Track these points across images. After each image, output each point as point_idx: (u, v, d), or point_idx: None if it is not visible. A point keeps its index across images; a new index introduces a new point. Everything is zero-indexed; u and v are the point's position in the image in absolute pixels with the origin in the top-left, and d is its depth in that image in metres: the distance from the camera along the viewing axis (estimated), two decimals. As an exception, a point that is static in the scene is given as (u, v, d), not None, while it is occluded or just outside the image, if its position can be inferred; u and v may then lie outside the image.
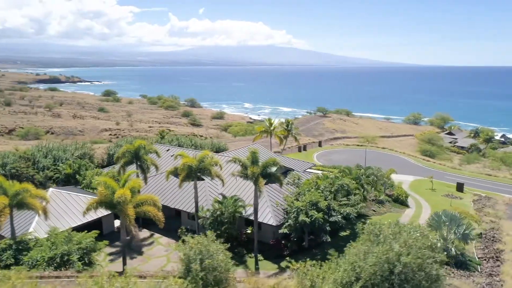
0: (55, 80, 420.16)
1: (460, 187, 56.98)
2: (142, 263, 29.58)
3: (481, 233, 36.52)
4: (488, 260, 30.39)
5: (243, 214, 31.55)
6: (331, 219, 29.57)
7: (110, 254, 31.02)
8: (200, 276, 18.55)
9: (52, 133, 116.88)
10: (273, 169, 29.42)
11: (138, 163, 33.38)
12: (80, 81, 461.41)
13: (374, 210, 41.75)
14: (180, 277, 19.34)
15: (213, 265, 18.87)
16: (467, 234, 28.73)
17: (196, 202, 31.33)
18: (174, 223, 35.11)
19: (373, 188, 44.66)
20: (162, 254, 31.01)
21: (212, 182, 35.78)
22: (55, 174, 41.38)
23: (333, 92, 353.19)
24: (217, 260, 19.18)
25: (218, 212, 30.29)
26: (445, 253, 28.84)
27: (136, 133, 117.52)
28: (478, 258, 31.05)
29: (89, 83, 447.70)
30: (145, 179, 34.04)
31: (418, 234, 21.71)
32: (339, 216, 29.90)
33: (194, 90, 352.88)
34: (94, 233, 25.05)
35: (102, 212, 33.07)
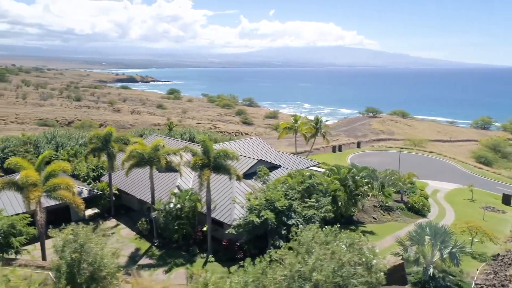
0: (131, 79, 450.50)
1: (507, 200, 48.48)
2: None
3: (498, 254, 29.69)
4: (489, 288, 24.18)
5: (199, 209, 28.85)
6: (290, 221, 25.59)
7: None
8: (66, 270, 16.43)
9: (106, 126, 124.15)
10: (229, 161, 26.35)
11: (106, 150, 32.35)
12: (153, 81, 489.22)
13: (374, 218, 36.35)
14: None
15: (84, 259, 16.62)
16: (454, 253, 22.96)
17: (152, 194, 29.36)
18: (146, 215, 33.55)
19: (380, 193, 39.19)
20: (110, 246, 29.39)
21: (189, 175, 33.60)
22: (50, 158, 42.24)
23: (398, 93, 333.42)
24: (92, 255, 16.90)
25: (172, 205, 27.97)
26: (412, 275, 23.56)
27: (181, 129, 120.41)
28: (476, 284, 24.86)
29: (160, 82, 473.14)
30: (112, 166, 33.00)
31: (344, 248, 17.50)
32: (299, 219, 25.79)
33: (258, 90, 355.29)
34: (24, 217, 24.16)
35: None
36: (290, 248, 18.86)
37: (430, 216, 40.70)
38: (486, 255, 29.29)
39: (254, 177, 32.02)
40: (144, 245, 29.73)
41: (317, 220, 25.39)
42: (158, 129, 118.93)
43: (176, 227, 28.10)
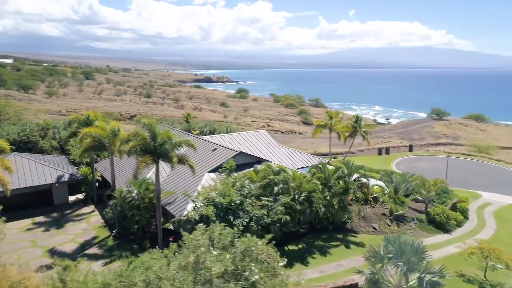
0: (207, 79, 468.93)
1: None
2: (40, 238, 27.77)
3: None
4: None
5: (154, 201, 26.58)
6: (236, 221, 22.05)
7: (38, 224, 30.15)
8: None
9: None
10: (182, 149, 23.74)
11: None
12: (228, 81, 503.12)
13: (374, 228, 30.79)
14: None
15: None
16: (423, 279, 17.58)
17: (113, 181, 27.86)
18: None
19: (391, 200, 33.48)
20: (71, 232, 28.62)
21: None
22: (58, 142, 43.49)
23: (483, 97, 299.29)
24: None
25: (125, 194, 26.16)
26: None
27: (233, 125, 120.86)
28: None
29: (235, 83, 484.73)
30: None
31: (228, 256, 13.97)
32: (246, 219, 22.12)
33: (330, 91, 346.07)
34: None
35: (50, 179, 32.77)
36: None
37: (458, 232, 33.67)
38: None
39: (219, 170, 28.85)
40: (104, 234, 28.42)
41: (265, 223, 21.59)
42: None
43: (129, 218, 26.28)
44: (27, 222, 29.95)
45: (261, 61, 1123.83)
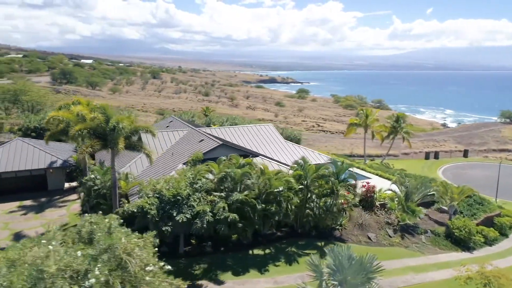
0: (272, 80, 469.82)
1: None
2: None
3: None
4: None
5: (126, 190, 25.16)
6: (178, 217, 19.61)
7: (23, 207, 30.45)
8: None
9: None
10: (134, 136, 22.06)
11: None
12: (293, 82, 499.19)
13: (369, 238, 26.36)
14: None
15: None
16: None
17: (84, 167, 26.95)
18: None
19: (400, 207, 28.82)
20: (47, 217, 28.28)
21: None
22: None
23: None
24: None
25: (87, 181, 25.11)
26: None
27: (282, 124, 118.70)
28: None
29: (299, 83, 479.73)
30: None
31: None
32: (187, 215, 19.55)
33: (398, 93, 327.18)
34: None
35: (43, 164, 33.13)
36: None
37: (483, 251, 27.90)
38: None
39: (184, 163, 26.54)
40: (76, 221, 27.68)
41: (206, 221, 18.86)
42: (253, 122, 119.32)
43: (96, 207, 25.17)
44: (13, 205, 30.42)
45: (329, 62, 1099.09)
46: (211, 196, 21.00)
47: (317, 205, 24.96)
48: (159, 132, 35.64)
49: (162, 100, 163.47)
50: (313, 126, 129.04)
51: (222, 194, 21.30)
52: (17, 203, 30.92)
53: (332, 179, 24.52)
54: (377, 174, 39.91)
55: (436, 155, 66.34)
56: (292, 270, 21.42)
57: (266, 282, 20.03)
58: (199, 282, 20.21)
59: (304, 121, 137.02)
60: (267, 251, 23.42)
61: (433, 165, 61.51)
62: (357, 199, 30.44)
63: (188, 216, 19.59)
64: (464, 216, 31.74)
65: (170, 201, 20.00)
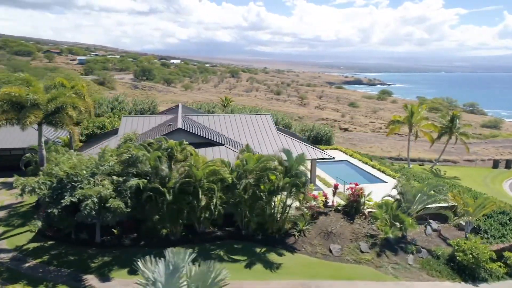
0: (357, 81, 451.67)
1: None
2: None
3: None
4: None
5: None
6: (63, 200, 17.22)
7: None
8: None
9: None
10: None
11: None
12: (380, 84, 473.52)
13: (330, 251, 21.09)
14: None
15: None
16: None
17: (42, 157, 26.21)
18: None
19: (387, 216, 23.29)
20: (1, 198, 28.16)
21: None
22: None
23: None
24: None
25: (29, 159, 24.23)
26: None
27: (345, 124, 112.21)
28: None
29: (387, 85, 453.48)
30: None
31: None
32: (74, 198, 17.02)
33: (502, 97, 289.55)
34: None
35: (23, 144, 33.50)
36: None
37: (500, 286, 20.77)
38: None
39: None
40: (32, 200, 27.19)
41: (89, 208, 16.14)
42: (325, 124, 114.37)
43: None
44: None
45: (424, 64, 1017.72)
46: (104, 181, 18.29)
47: (263, 204, 20.65)
48: (141, 117, 34.17)
49: (230, 97, 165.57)
50: (381, 128, 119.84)
51: (120, 179, 18.47)
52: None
53: (278, 173, 20.02)
54: (393, 177, 33.35)
55: (508, 165, 54.79)
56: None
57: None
58: (87, 276, 17.76)
59: (372, 122, 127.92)
60: (189, 251, 19.96)
61: (499, 176, 50.73)
62: (343, 202, 25.39)
63: (74, 199, 17.20)
64: (486, 237, 24.43)
65: (63, 182, 17.84)
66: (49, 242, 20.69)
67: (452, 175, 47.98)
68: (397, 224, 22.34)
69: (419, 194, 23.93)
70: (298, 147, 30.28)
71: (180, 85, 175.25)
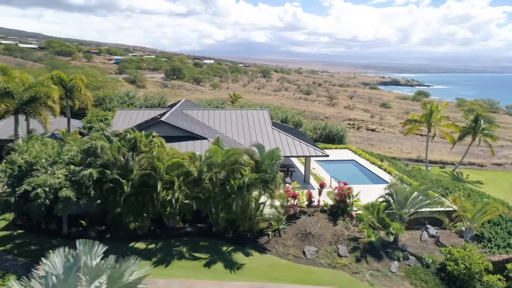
0: (394, 82, 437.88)
1: None
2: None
3: None
4: None
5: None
6: (18, 188, 16.85)
7: None
8: None
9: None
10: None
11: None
12: (418, 85, 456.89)
13: (304, 253, 19.57)
14: None
15: None
16: None
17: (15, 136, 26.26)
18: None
19: (371, 218, 21.60)
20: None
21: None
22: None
23: None
24: None
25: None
26: None
27: (373, 125, 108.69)
28: None
29: (425, 86, 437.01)
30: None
31: None
32: (27, 187, 16.61)
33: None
34: None
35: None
36: None
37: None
38: None
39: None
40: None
41: (41, 196, 15.68)
42: (352, 125, 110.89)
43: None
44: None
45: (467, 64, 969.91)
46: (60, 170, 17.81)
47: (231, 201, 19.46)
48: (136, 110, 33.94)
49: (257, 96, 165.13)
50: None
51: (77, 168, 17.93)
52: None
53: (247, 168, 18.77)
54: (401, 179, 31.04)
55: (542, 170, 50.29)
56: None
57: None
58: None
59: (401, 123, 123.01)
60: (151, 246, 19.16)
61: (528, 181, 46.57)
62: (331, 202, 23.78)
63: (28, 187, 16.84)
64: (489, 246, 21.99)
65: (23, 170, 17.57)
66: (19, 231, 20.64)
67: (475, 179, 44.70)
68: (381, 227, 20.45)
69: (412, 196, 21.84)
70: (291, 143, 28.88)
71: (209, 84, 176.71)
